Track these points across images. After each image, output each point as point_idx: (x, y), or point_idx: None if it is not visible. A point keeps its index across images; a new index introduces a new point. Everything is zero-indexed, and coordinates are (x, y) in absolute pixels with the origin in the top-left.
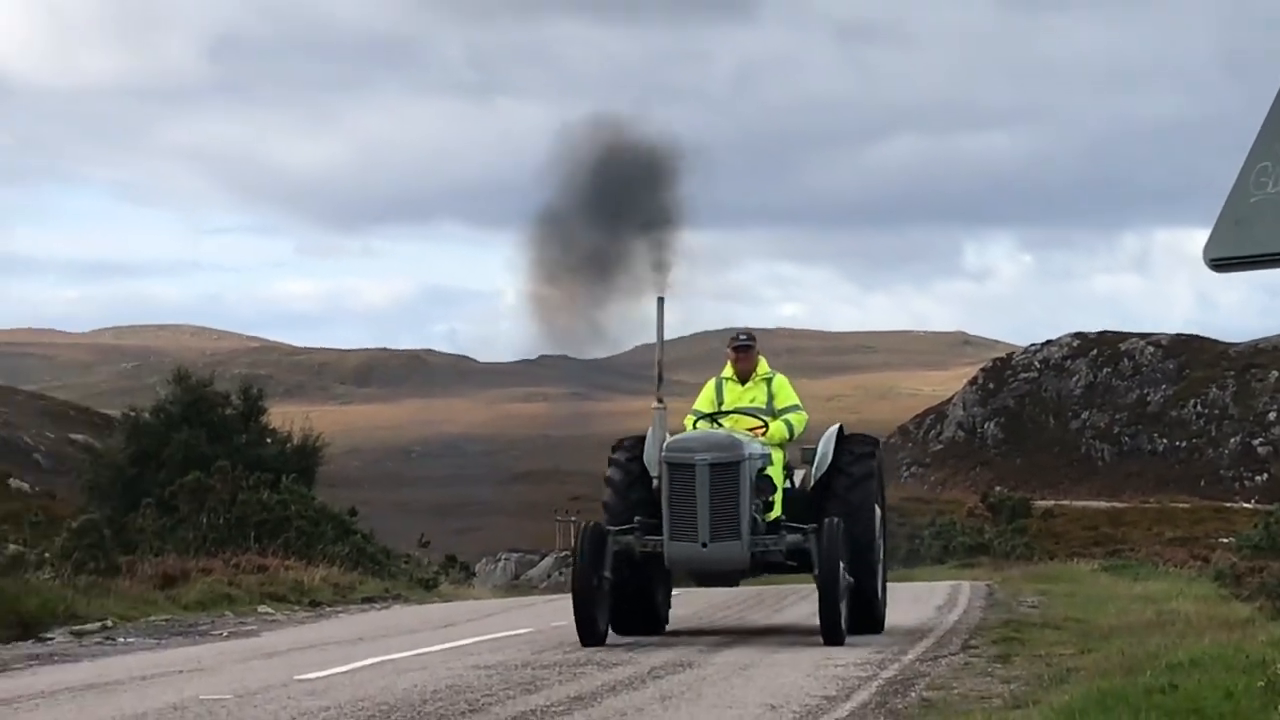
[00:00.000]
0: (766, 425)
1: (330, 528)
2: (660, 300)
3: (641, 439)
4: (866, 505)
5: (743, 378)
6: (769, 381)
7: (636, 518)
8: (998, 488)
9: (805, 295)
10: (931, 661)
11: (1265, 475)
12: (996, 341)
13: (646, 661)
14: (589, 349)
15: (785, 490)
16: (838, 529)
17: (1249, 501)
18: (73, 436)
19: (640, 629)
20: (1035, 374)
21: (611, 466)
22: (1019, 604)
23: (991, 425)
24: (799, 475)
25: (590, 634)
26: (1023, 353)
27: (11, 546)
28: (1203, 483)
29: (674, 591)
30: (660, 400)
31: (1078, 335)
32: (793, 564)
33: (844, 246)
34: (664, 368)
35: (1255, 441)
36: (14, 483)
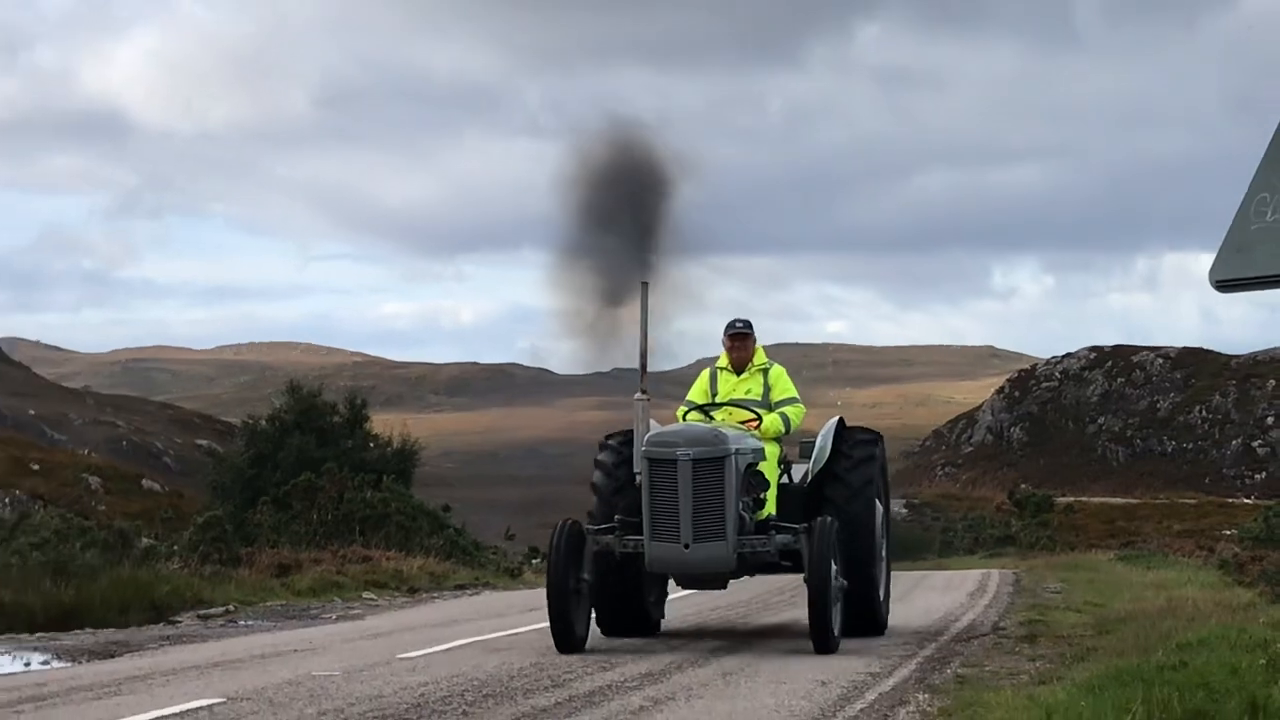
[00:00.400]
0: (760, 418)
1: (426, 523)
2: (644, 285)
3: (630, 433)
4: (866, 502)
5: (738, 368)
6: (765, 372)
7: (617, 516)
8: (1023, 485)
9: (849, 313)
10: (965, 642)
11: (1264, 474)
12: (1021, 354)
13: (705, 645)
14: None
15: (781, 486)
16: (830, 528)
17: (1249, 497)
18: (198, 442)
19: (630, 631)
20: (1056, 383)
21: (597, 463)
22: (1043, 590)
23: (1017, 429)
24: (798, 470)
25: (567, 640)
26: (1045, 364)
27: (145, 540)
28: (1207, 480)
29: (681, 592)
30: (644, 391)
31: (1094, 349)
32: (786, 564)
33: (884, 270)
34: (647, 357)
35: (1255, 443)
36: (146, 483)
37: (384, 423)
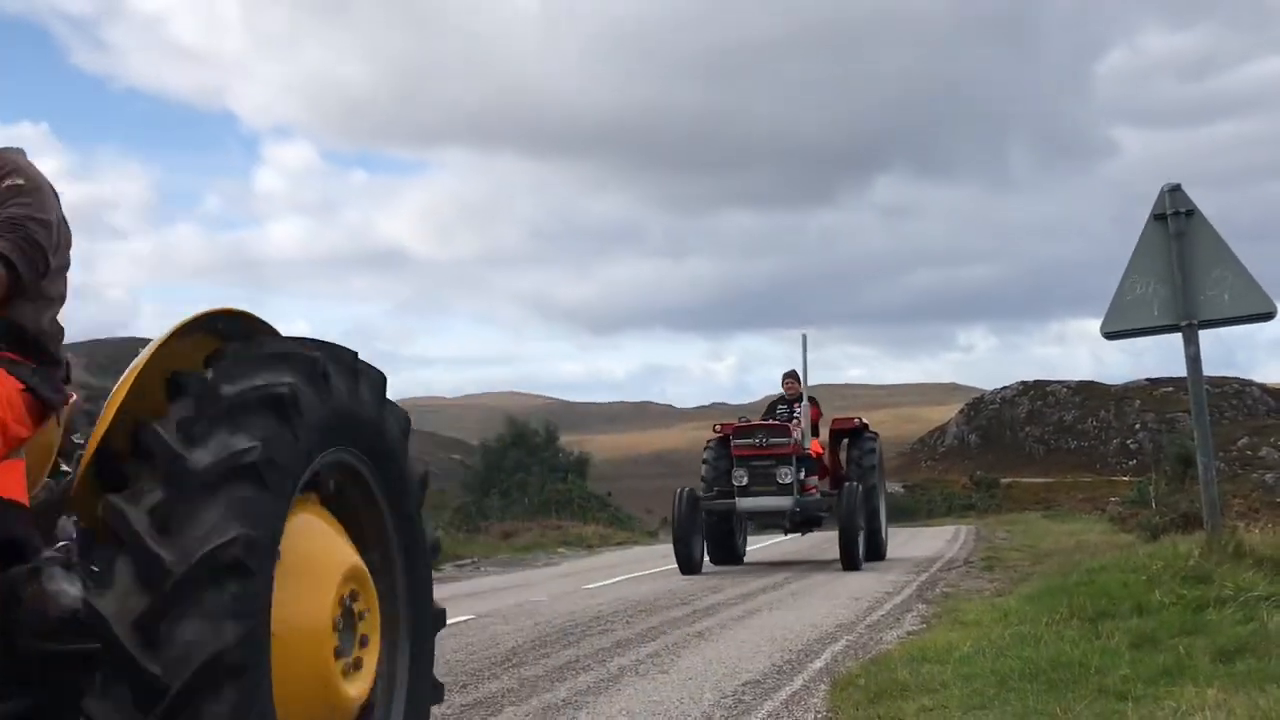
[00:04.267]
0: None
1: (595, 503)
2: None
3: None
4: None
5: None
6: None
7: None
8: (978, 472)
9: (863, 363)
10: (946, 572)
11: (1135, 461)
12: (976, 387)
13: (778, 576)
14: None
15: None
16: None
17: (1125, 477)
18: (452, 456)
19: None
20: (998, 405)
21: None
22: (995, 538)
23: (973, 436)
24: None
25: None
26: (991, 393)
27: None
28: (1098, 466)
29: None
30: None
31: (1023, 382)
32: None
33: (886, 334)
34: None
35: (1128, 442)
36: None
37: (568, 442)
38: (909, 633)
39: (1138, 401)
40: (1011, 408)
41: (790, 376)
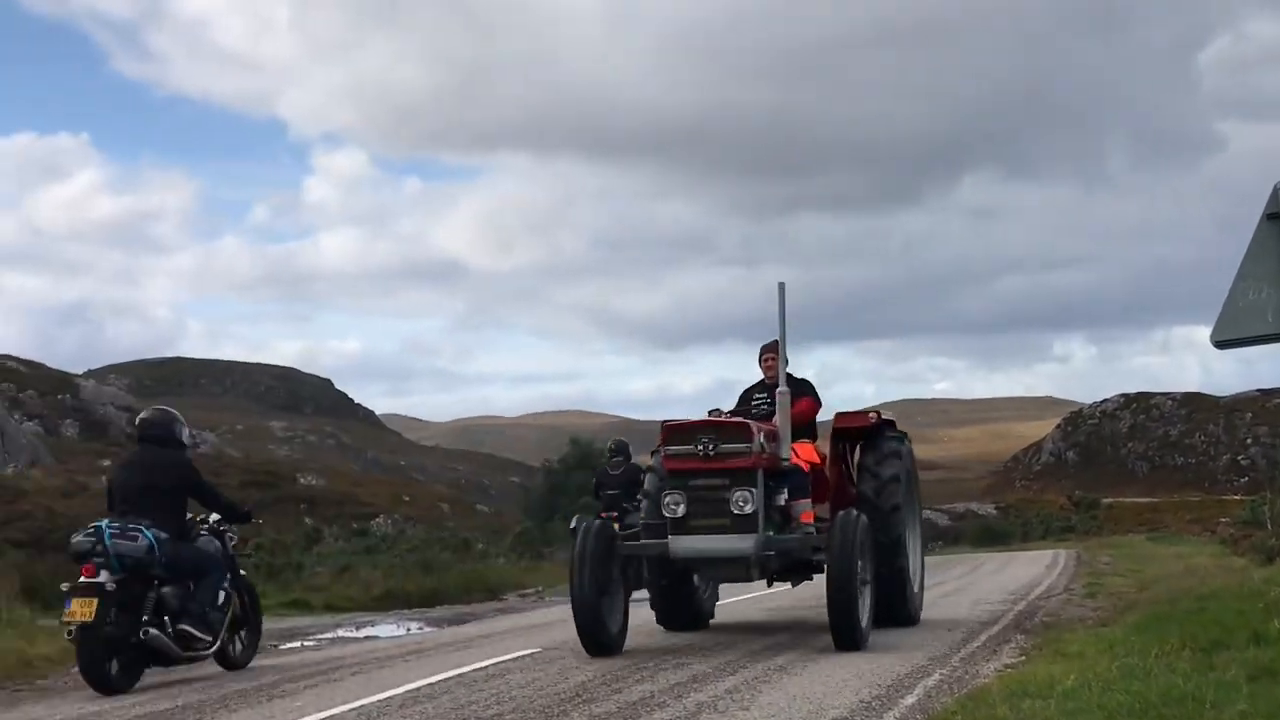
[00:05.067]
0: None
1: None
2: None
3: None
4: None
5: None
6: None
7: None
8: (1077, 491)
9: (952, 376)
10: (1046, 599)
11: (1246, 478)
12: (1073, 400)
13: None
14: None
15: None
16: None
17: (1236, 495)
18: (512, 479)
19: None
20: (1098, 420)
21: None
22: (1097, 562)
23: (1071, 453)
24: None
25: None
26: (1089, 407)
27: (479, 545)
28: (1206, 484)
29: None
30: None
31: (1124, 395)
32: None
33: (975, 345)
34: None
35: (1239, 457)
36: (479, 507)
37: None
38: (1007, 665)
39: (1249, 414)
40: (1112, 422)
41: (771, 350)
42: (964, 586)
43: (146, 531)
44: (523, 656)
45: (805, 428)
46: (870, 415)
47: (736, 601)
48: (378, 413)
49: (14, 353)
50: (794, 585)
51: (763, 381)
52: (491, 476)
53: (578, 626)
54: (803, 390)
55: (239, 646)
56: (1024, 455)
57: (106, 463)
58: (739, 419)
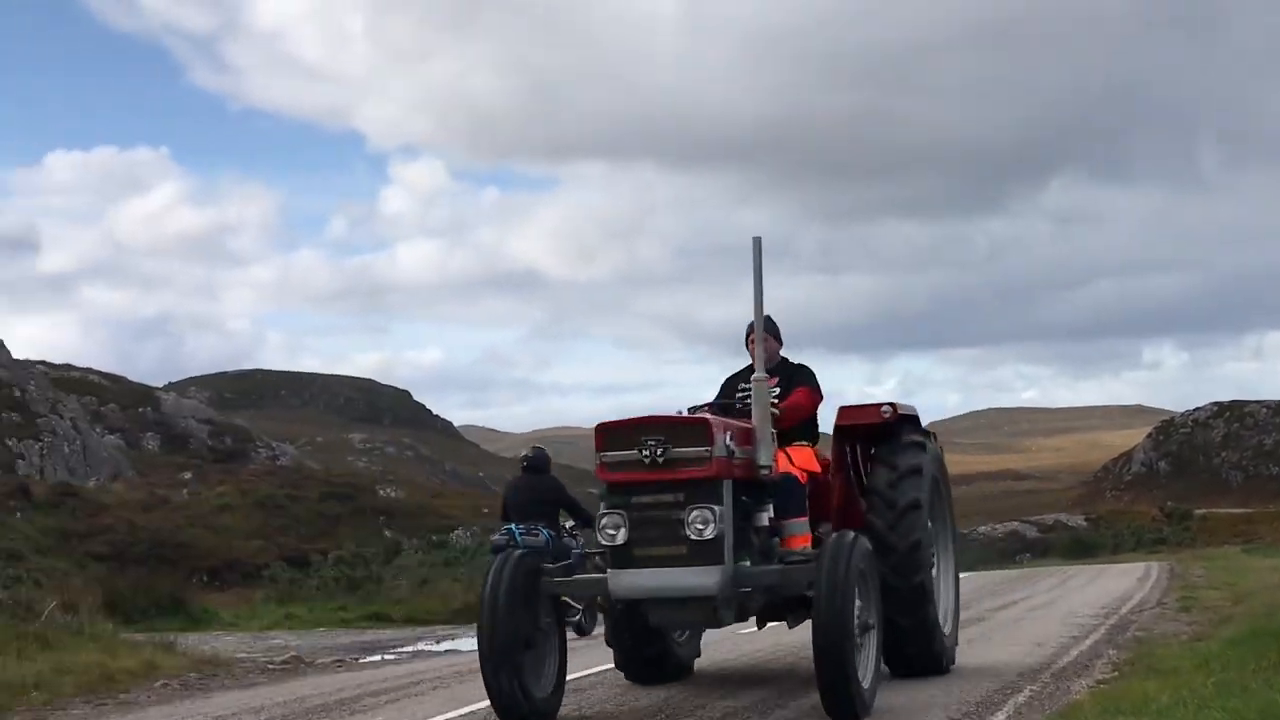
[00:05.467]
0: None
1: None
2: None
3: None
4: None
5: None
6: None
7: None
8: (1169, 503)
9: (1039, 384)
10: (1138, 613)
11: None
12: (1164, 409)
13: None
14: None
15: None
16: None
17: None
18: (590, 490)
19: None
20: (1190, 429)
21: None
22: (1191, 575)
23: (1163, 463)
24: None
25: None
26: (1181, 415)
27: None
28: None
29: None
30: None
31: (1217, 403)
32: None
33: (1064, 352)
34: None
35: None
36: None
37: None
38: (1099, 681)
39: None
40: (1205, 431)
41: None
42: (1054, 600)
43: (544, 531)
44: (600, 672)
45: (803, 427)
46: (881, 411)
47: (725, 638)
48: (456, 424)
49: (96, 366)
50: (791, 626)
51: (750, 367)
52: (570, 487)
53: (488, 692)
54: (799, 379)
55: (585, 619)
56: (1114, 465)
57: (188, 475)
58: (698, 415)
